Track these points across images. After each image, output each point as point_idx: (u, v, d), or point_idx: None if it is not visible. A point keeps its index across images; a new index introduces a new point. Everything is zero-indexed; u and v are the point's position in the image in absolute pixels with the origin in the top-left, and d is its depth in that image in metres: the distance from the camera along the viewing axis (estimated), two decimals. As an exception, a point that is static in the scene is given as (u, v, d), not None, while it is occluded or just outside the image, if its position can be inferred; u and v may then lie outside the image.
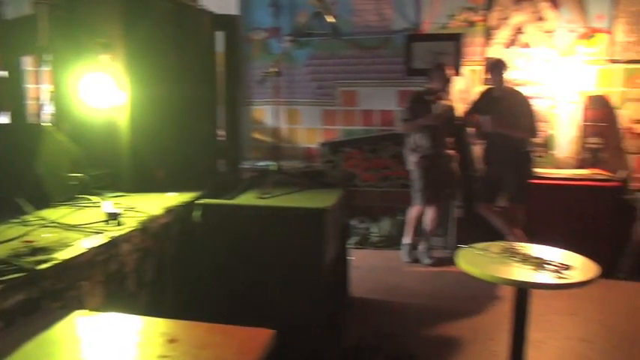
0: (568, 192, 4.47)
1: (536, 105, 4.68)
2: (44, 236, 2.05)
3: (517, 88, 4.59)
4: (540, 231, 4.00)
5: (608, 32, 4.86)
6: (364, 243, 5.18)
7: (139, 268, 2.30)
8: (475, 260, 2.54)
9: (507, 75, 4.45)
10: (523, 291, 2.47)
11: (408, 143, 4.61)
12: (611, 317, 3.64)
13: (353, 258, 4.12)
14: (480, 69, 5.09)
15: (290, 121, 5.64)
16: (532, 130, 4.39)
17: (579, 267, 2.46)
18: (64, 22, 2.94)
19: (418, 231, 4.71)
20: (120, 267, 2.16)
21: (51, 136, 2.71)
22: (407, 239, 4.75)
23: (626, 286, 4.23)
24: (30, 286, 1.65)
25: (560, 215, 4.42)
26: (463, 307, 3.76)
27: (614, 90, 4.88)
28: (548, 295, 3.46)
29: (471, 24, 5.13)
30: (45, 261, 1.76)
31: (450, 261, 3.75)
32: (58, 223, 2.23)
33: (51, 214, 2.37)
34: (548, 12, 4.96)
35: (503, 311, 3.42)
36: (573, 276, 2.35)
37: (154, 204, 2.63)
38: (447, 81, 4.49)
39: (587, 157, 4.96)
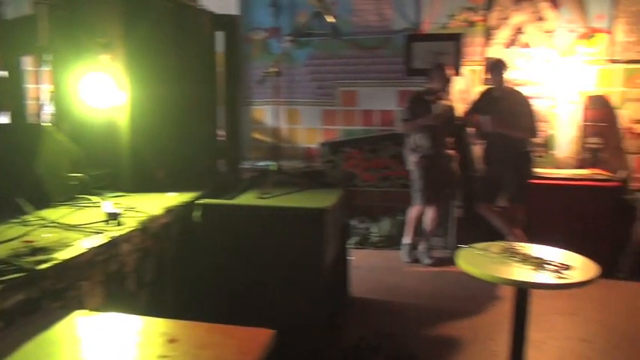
0: (568, 192, 4.47)
1: (536, 105, 4.67)
2: (44, 236, 2.05)
3: (517, 88, 4.59)
4: (540, 231, 4.00)
5: (608, 32, 4.86)
6: (364, 243, 5.18)
7: (139, 268, 2.30)
8: (475, 260, 2.54)
9: (507, 75, 4.45)
10: (523, 291, 2.47)
11: (408, 143, 4.60)
12: (611, 317, 3.64)
13: (353, 258, 4.12)
14: (480, 69, 5.09)
15: (290, 121, 5.64)
16: (532, 130, 4.39)
17: (579, 267, 2.46)
18: (64, 22, 2.94)
19: (418, 231, 4.71)
20: (120, 267, 2.16)
21: (51, 136, 2.71)
22: (407, 239, 4.75)
23: (626, 286, 4.23)
24: (30, 286, 1.65)
25: (560, 215, 4.42)
26: (463, 307, 3.76)
27: (614, 90, 4.88)
28: (548, 295, 3.45)
29: (471, 24, 5.13)
30: (45, 261, 1.77)
31: (450, 261, 3.75)
32: (58, 223, 2.24)
33: (51, 214, 2.38)
34: (548, 12, 4.96)
35: (503, 311, 3.42)
36: (573, 276, 2.35)
37: (154, 204, 2.63)
38: (447, 81, 4.49)
39: (587, 157, 4.96)
